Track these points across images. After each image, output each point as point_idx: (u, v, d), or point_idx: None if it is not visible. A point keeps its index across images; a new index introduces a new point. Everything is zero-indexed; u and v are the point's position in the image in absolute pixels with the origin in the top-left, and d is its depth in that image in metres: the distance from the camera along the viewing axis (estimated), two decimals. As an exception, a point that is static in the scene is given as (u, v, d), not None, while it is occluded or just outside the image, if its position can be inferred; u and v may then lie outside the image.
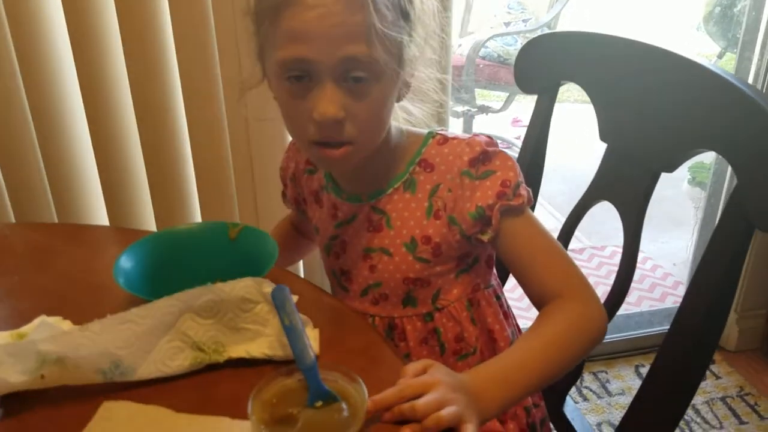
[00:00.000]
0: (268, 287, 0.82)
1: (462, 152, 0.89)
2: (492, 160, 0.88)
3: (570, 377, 1.09)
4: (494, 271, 1.02)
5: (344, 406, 0.71)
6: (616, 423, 1.88)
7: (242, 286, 0.82)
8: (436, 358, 1.00)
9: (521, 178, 0.88)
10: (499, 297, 1.00)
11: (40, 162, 1.55)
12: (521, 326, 1.06)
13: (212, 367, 0.81)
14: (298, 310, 0.81)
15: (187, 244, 0.98)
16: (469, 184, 0.88)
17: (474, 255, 0.96)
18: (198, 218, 1.64)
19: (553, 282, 0.85)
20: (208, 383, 0.79)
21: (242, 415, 0.70)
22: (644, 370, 2.03)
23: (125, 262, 0.91)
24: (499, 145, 0.91)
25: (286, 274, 1.00)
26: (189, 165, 1.59)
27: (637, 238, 1.00)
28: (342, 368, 0.74)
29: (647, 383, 0.90)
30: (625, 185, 1.01)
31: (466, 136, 0.91)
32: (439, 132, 0.94)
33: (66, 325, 0.85)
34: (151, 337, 0.79)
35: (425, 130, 0.95)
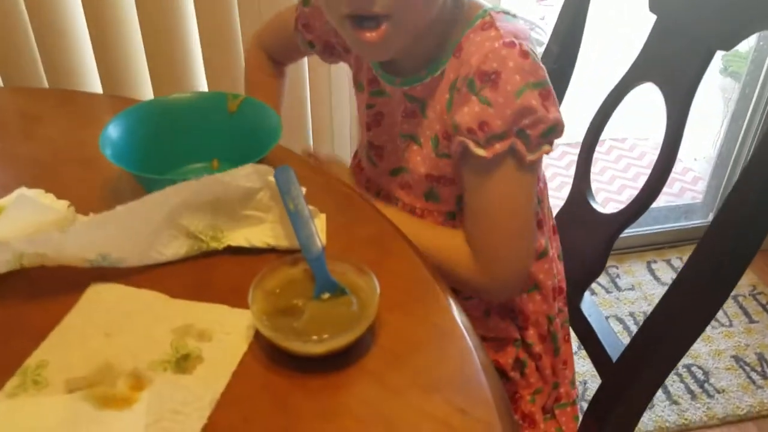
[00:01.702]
0: (271, 171, 0.74)
1: (484, 55, 0.74)
2: (498, 89, 0.72)
3: (591, 272, 1.02)
4: (541, 178, 0.93)
5: (353, 299, 0.65)
6: (623, 318, 1.86)
7: (243, 174, 0.73)
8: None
9: (507, 132, 0.73)
10: (537, 204, 0.91)
11: (26, 20, 1.43)
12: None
13: (210, 254, 0.74)
14: (304, 195, 0.73)
15: (182, 115, 0.88)
16: (465, 94, 0.76)
17: None
18: (203, 89, 1.53)
19: (477, 246, 0.81)
20: (206, 268, 0.73)
21: (242, 304, 0.64)
22: (656, 266, 1.99)
23: (113, 131, 0.82)
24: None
25: (291, 156, 0.91)
26: (190, 24, 1.46)
27: (681, 124, 0.90)
28: (351, 260, 0.67)
29: (685, 273, 0.83)
30: (673, 64, 0.90)
31: (509, 34, 0.75)
32: (492, 13, 0.79)
33: (47, 199, 0.77)
34: (142, 228, 0.71)
35: (487, 5, 0.81)
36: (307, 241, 0.68)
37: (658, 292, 1.91)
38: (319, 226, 0.74)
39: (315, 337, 0.60)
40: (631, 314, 1.86)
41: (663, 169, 0.93)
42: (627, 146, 2.56)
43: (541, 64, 0.75)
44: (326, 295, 0.65)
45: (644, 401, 0.92)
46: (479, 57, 0.74)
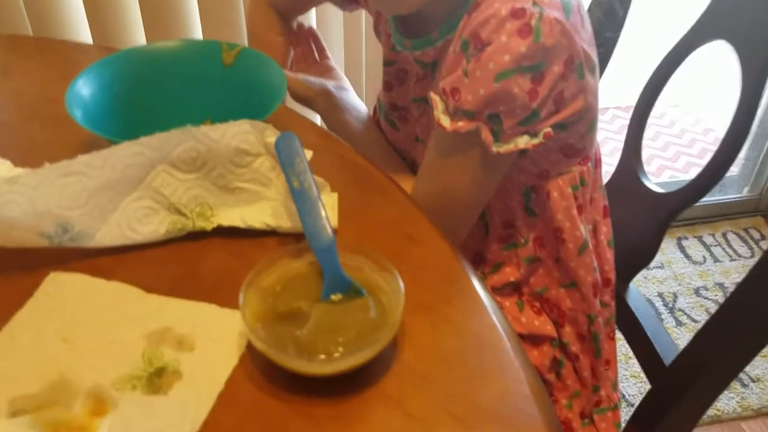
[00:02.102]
0: (272, 135, 0.60)
1: (485, 17, 0.63)
2: (479, 62, 0.62)
3: (640, 259, 0.89)
4: (593, 153, 0.79)
5: (371, 303, 0.52)
6: (652, 298, 1.73)
7: (236, 132, 0.60)
8: (480, 237, 0.81)
9: (475, 113, 0.64)
10: (577, 187, 0.78)
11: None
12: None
13: (196, 236, 0.61)
14: (313, 169, 0.59)
15: (169, 68, 0.75)
16: (458, 53, 0.66)
17: None
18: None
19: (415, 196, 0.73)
20: (190, 254, 0.60)
21: (234, 303, 0.51)
22: (687, 243, 1.86)
23: (84, 87, 0.69)
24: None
25: (296, 119, 0.77)
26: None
27: (759, 88, 0.76)
28: (369, 251, 0.54)
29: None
30: (749, 19, 0.75)
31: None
32: None
33: (3, 168, 0.64)
34: (111, 193, 0.58)
35: None
36: (314, 227, 0.55)
37: (688, 271, 1.78)
38: (330, 207, 0.61)
39: (322, 356, 0.47)
40: (660, 295, 1.73)
41: (734, 140, 0.79)
42: (681, 111, 2.38)
43: (561, 43, 0.63)
44: (337, 297, 0.52)
45: (700, 411, 0.79)
46: (481, 18, 0.63)
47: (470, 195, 0.73)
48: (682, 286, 1.74)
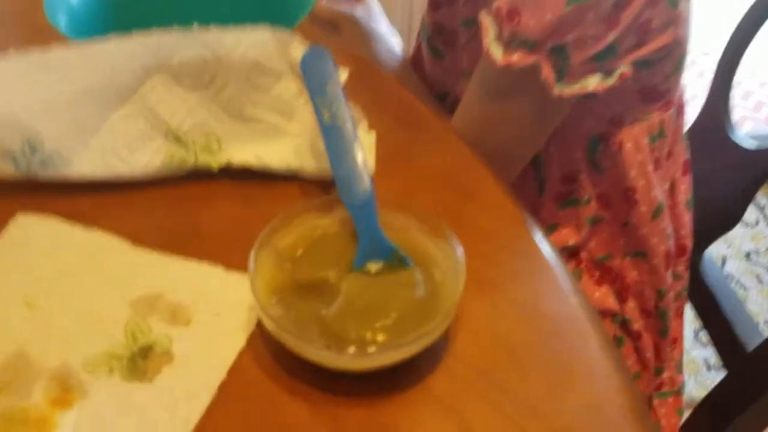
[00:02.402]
0: (299, 49, 0.47)
1: None
2: None
3: (720, 223, 0.76)
4: (672, 101, 0.65)
5: (419, 276, 0.40)
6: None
7: (255, 42, 0.47)
8: (532, 194, 0.68)
9: (536, 43, 0.52)
10: (655, 138, 0.64)
11: None
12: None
13: (199, 176, 0.49)
14: (348, 98, 0.46)
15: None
16: None
17: None
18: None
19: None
20: (191, 202, 0.48)
21: (245, 267, 0.40)
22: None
23: (68, -13, 0.56)
24: None
25: (324, 39, 0.64)
26: None
27: None
28: (418, 210, 0.42)
29: None
30: None
31: None
32: None
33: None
34: (93, 105, 0.46)
35: None
36: (348, 174, 0.43)
37: (739, 233, 1.64)
38: (367, 149, 0.48)
39: (352, 349, 0.36)
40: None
41: None
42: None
43: None
44: (375, 266, 0.41)
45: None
46: None
47: (517, 145, 0.62)
48: (732, 249, 1.60)
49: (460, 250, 0.39)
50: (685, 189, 0.71)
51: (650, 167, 0.64)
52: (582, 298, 0.42)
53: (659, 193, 0.65)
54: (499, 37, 0.54)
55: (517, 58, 0.53)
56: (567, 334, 0.40)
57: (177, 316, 0.41)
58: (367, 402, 0.37)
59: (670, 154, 0.68)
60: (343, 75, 0.48)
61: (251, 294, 0.38)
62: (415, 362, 0.37)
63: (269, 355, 0.39)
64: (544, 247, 0.45)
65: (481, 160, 0.51)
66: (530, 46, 0.52)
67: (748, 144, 0.73)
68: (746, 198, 0.74)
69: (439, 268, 0.40)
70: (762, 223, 1.66)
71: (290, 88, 0.48)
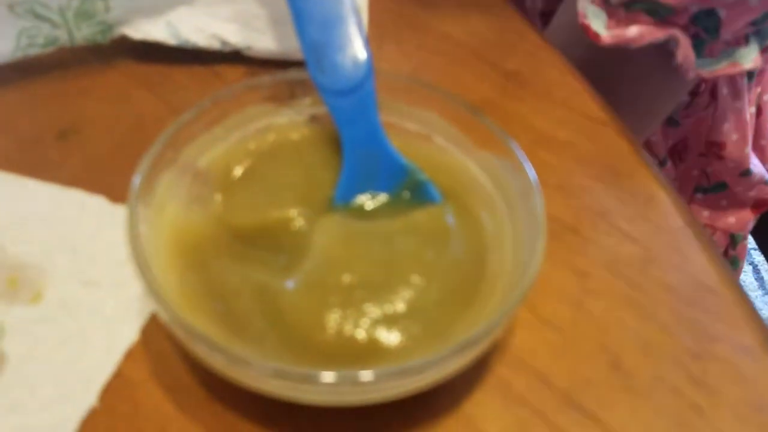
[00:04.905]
0: None
1: None
2: None
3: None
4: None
5: (452, 220, 0.22)
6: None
7: None
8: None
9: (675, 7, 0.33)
10: (751, 76, 0.45)
11: None
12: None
13: (77, 55, 0.30)
14: None
15: None
16: None
17: None
18: None
19: None
20: (68, 97, 0.29)
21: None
22: None
23: None
24: None
25: None
26: None
27: None
28: (449, 99, 0.23)
29: None
30: None
31: None
32: None
33: None
34: None
35: None
36: (324, 37, 0.24)
37: None
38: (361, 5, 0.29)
39: (329, 376, 0.18)
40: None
41: None
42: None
43: None
44: (373, 200, 0.23)
45: None
46: None
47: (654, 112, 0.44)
48: None
49: (532, 172, 0.21)
50: None
51: (746, 116, 0.46)
52: (720, 256, 0.25)
53: (747, 154, 0.48)
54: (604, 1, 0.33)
55: (637, 32, 0.33)
56: (703, 319, 0.23)
57: (17, 284, 0.23)
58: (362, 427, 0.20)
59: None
60: None
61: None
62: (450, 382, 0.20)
63: (176, 358, 0.21)
64: (650, 167, 0.27)
65: (531, 24, 0.32)
66: (665, 13, 0.32)
67: None
68: None
69: (491, 208, 0.22)
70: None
71: None
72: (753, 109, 0.49)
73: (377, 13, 0.31)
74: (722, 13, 0.33)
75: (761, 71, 0.48)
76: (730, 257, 0.54)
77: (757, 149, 0.51)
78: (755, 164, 0.48)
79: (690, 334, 0.23)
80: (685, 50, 0.33)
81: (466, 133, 0.23)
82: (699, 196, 0.52)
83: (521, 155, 0.21)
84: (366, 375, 0.17)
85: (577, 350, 0.22)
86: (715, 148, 0.47)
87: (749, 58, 0.35)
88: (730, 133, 0.46)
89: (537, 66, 0.31)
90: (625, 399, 0.21)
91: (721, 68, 0.35)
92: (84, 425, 0.20)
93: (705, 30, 0.34)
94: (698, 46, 0.34)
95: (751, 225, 0.53)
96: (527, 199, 0.21)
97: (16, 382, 0.21)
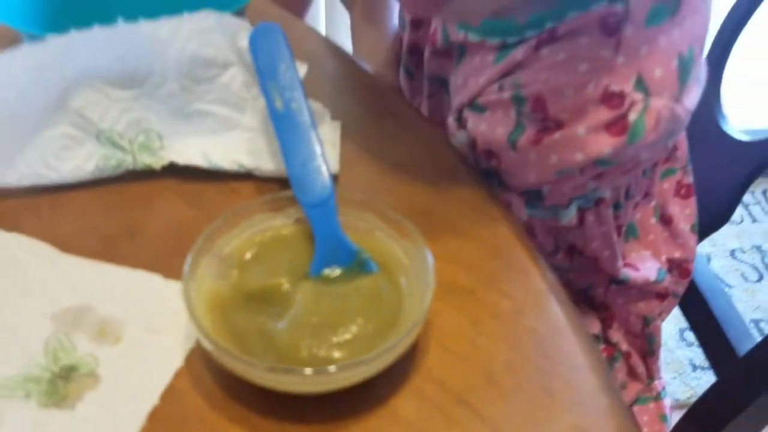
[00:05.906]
0: (247, 38, 0.42)
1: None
2: (542, 141, 0.45)
3: (715, 218, 0.72)
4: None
5: (383, 284, 0.35)
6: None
7: (195, 30, 0.42)
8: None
9: None
10: (619, 206, 0.58)
11: None
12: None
13: (139, 176, 0.43)
14: (305, 87, 0.41)
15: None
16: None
17: None
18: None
19: None
20: (130, 204, 0.43)
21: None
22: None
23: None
24: None
25: (281, 17, 0.59)
26: None
27: None
28: (384, 208, 0.37)
29: None
30: None
31: None
32: None
33: None
34: (15, 111, 0.41)
35: None
36: (303, 168, 0.38)
37: (723, 231, 1.60)
38: (330, 143, 0.43)
39: (305, 370, 0.30)
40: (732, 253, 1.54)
41: None
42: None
43: None
44: (334, 272, 0.36)
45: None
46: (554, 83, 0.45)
47: None
48: (716, 248, 1.57)
49: (429, 254, 0.34)
50: (689, 213, 0.66)
51: (614, 238, 0.57)
52: (570, 309, 0.38)
53: (619, 266, 0.59)
54: None
55: None
56: (552, 352, 0.35)
57: (106, 332, 0.36)
58: (323, 429, 0.32)
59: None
60: (302, 70, 0.43)
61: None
62: (379, 383, 0.32)
63: (210, 376, 0.34)
64: (529, 249, 0.40)
65: (455, 153, 0.46)
66: None
67: (742, 137, 0.69)
68: (740, 193, 0.70)
69: (407, 275, 0.35)
70: (747, 221, 1.63)
71: (238, 77, 0.43)
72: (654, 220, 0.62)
73: (346, 144, 0.45)
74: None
75: (647, 192, 0.61)
76: (646, 334, 0.67)
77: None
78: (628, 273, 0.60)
79: (542, 360, 0.35)
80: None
81: (393, 229, 0.36)
82: (613, 287, 0.64)
83: (424, 245, 0.34)
84: (331, 368, 0.30)
85: (467, 368, 0.35)
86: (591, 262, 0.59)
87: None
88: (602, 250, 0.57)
89: (455, 187, 0.45)
90: (496, 399, 0.34)
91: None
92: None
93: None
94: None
95: (660, 309, 0.65)
96: (426, 272, 0.34)
97: (107, 391, 0.33)
